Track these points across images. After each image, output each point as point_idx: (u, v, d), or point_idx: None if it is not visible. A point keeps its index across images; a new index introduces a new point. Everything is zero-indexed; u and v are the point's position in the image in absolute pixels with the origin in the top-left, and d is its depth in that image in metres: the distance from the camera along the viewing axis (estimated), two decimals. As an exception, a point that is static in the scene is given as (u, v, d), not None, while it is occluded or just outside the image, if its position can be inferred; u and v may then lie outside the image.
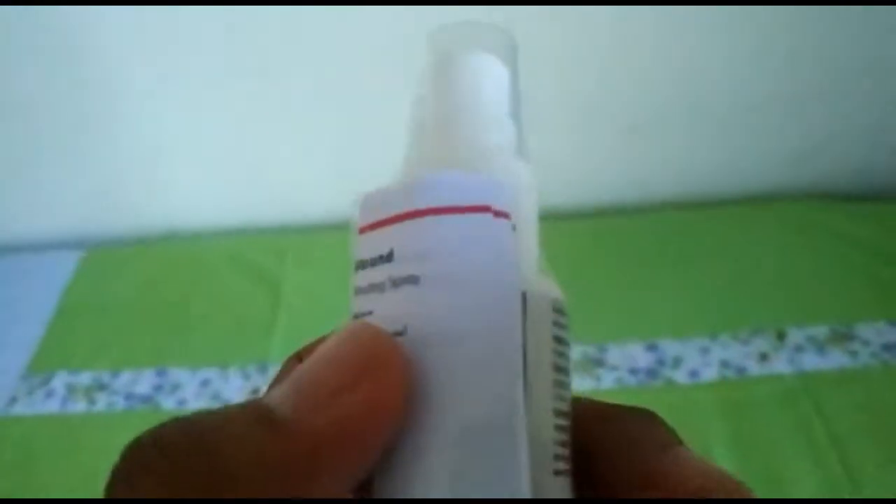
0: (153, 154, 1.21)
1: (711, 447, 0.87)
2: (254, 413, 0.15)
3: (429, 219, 0.17)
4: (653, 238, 1.16)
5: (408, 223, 0.17)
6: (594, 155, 1.20)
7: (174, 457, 0.14)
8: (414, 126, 0.20)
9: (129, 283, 1.18)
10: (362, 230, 0.18)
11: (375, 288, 0.17)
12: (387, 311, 0.17)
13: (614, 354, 0.99)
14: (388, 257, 0.17)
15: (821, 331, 0.99)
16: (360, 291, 0.17)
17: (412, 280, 0.16)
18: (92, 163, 1.22)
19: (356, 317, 0.17)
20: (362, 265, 0.18)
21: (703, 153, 1.20)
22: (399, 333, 0.16)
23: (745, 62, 1.10)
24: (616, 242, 1.15)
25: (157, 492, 0.14)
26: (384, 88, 1.12)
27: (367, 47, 1.07)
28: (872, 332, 0.98)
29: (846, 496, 0.81)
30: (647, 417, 0.18)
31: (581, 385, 0.95)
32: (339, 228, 1.24)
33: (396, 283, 0.17)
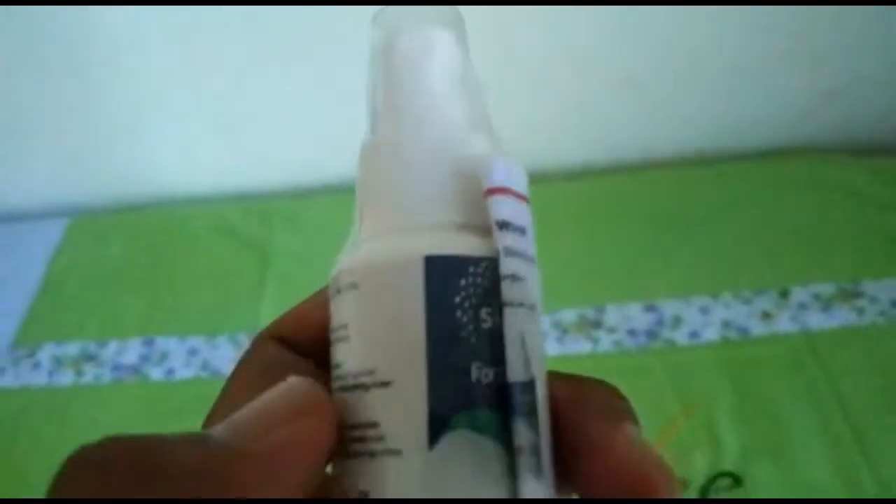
0: (136, 119, 1.18)
1: (714, 410, 0.85)
2: (193, 436, 0.16)
3: (528, 206, 0.19)
4: (651, 196, 1.12)
5: (525, 206, 0.18)
6: (588, 110, 1.16)
7: (116, 454, 0.15)
8: (370, 108, 0.20)
9: (115, 251, 1.15)
10: (505, 191, 0.18)
11: (528, 261, 0.18)
12: (533, 286, 0.18)
13: (612, 316, 0.96)
14: (523, 231, 0.18)
15: (826, 288, 0.96)
16: (512, 253, 0.18)
17: (534, 262, 0.18)
18: (74, 129, 1.19)
19: (507, 278, 0.17)
20: (507, 227, 0.18)
21: (704, 107, 1.16)
22: (534, 307, 0.18)
23: (753, 12, 1.06)
24: (613, 202, 1.12)
25: (94, 483, 0.15)
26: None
27: (361, 11, 1.03)
28: (880, 289, 0.94)
29: (854, 459, 0.79)
30: (614, 389, 0.19)
31: (578, 348, 0.93)
32: (326, 192, 1.22)
33: (531, 261, 0.18)
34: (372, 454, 0.17)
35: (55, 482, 0.15)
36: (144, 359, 0.99)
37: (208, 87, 1.15)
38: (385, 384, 0.17)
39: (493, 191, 0.18)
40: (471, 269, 0.17)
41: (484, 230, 0.18)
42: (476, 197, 0.18)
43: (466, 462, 0.16)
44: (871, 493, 0.76)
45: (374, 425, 0.17)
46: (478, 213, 0.18)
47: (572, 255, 1.02)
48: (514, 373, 0.17)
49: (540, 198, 0.20)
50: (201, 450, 0.16)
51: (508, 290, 0.17)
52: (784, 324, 0.92)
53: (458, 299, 0.17)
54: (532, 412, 0.17)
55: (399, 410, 0.17)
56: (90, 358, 1.00)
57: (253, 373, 0.20)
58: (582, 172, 1.18)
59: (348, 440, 0.17)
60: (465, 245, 0.18)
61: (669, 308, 0.96)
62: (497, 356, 0.17)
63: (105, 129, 1.19)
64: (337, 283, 0.19)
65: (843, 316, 0.92)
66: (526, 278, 0.18)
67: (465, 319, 0.17)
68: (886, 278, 0.95)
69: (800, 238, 1.03)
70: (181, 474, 0.15)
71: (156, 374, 0.97)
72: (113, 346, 1.01)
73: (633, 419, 0.18)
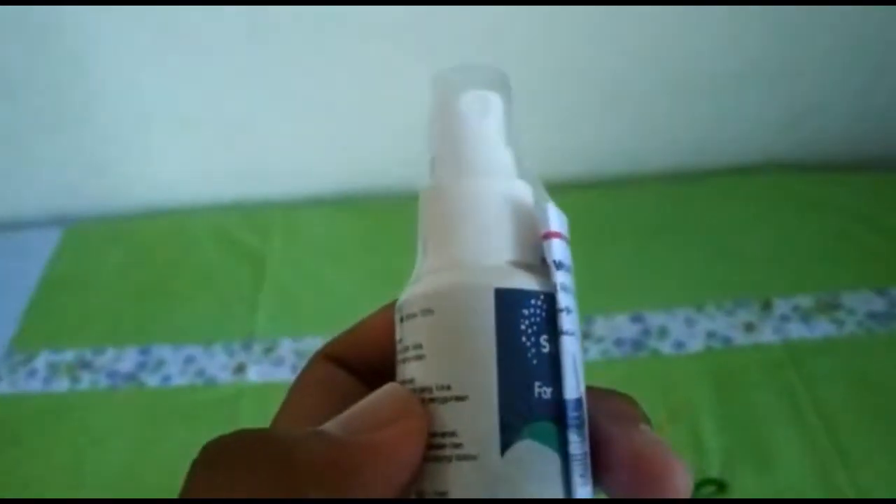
0: (135, 129, 1.19)
1: (698, 416, 0.88)
2: (312, 431, 0.18)
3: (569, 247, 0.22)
4: (638, 210, 1.15)
5: (569, 248, 0.21)
6: (572, 125, 1.19)
7: (251, 445, 0.17)
8: (430, 158, 0.23)
9: (112, 259, 1.17)
10: (558, 235, 0.21)
11: (574, 295, 0.21)
12: (578, 317, 0.21)
13: (600, 326, 0.99)
14: (570, 270, 0.21)
15: (806, 300, 0.99)
16: (565, 289, 0.20)
17: (575, 296, 0.21)
18: (72, 138, 1.20)
19: (562, 311, 0.20)
20: (562, 266, 0.21)
21: (687, 123, 1.19)
22: (569, 333, 0.20)
23: (729, 31, 1.09)
24: (600, 215, 1.14)
25: (234, 471, 0.17)
26: (373, 64, 1.12)
27: (355, 20, 1.06)
28: (858, 301, 0.98)
29: (831, 464, 0.82)
30: (630, 398, 0.22)
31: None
32: (323, 204, 1.23)
33: (575, 296, 0.21)
34: (449, 459, 0.19)
35: (194, 469, 0.17)
36: (141, 366, 1.00)
37: (206, 96, 1.16)
38: (461, 398, 0.19)
39: (549, 235, 0.21)
40: (532, 302, 0.20)
41: (535, 268, 0.21)
42: (530, 238, 0.21)
43: (531, 467, 0.19)
44: (848, 496, 0.79)
45: (452, 434, 0.19)
46: (531, 252, 0.21)
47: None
48: (569, 391, 0.19)
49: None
50: (322, 442, 0.18)
51: (563, 321, 0.20)
52: (766, 335, 0.95)
53: (522, 327, 0.20)
54: (581, 425, 0.20)
55: (475, 421, 0.19)
56: (86, 365, 1.01)
57: (309, 388, 0.23)
58: (567, 186, 1.20)
59: (427, 447, 0.19)
60: (527, 280, 0.20)
61: (655, 319, 0.99)
62: (554, 376, 0.19)
63: (103, 138, 1.20)
64: (408, 308, 0.21)
65: (822, 327, 0.96)
66: (574, 311, 0.20)
67: (528, 344, 0.19)
68: (863, 290, 0.99)
69: (781, 251, 1.06)
70: (308, 462, 0.17)
71: (152, 381, 0.99)
72: (109, 353, 1.03)
73: (647, 421, 0.21)
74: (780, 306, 0.98)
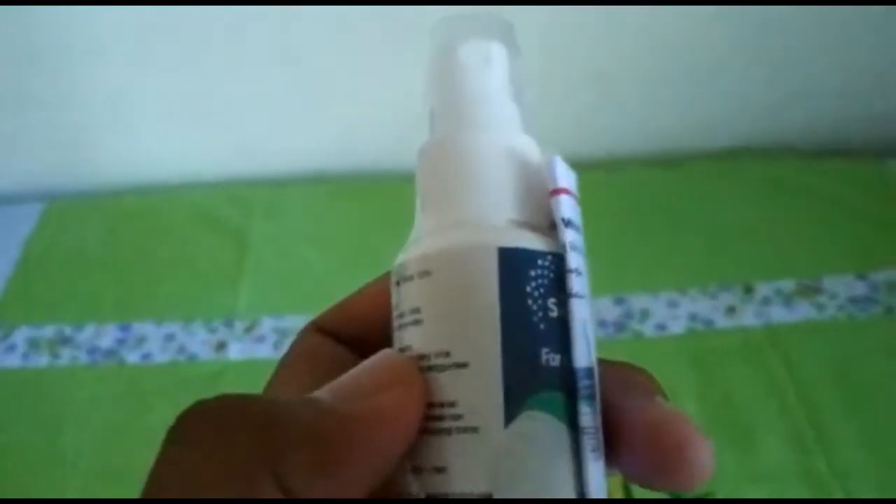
0: (116, 104, 1.18)
1: (679, 398, 0.88)
2: (300, 398, 0.17)
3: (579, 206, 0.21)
4: (621, 193, 1.14)
5: (579, 206, 0.20)
6: (557, 106, 1.17)
7: (232, 410, 0.16)
8: (429, 112, 0.22)
9: (92, 235, 1.15)
10: (566, 192, 0.20)
11: (584, 257, 0.20)
12: (589, 280, 0.19)
13: (583, 308, 0.98)
14: (579, 230, 0.20)
15: (788, 284, 0.99)
16: (575, 248, 0.19)
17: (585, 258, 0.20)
18: (53, 113, 1.18)
19: (572, 272, 0.19)
20: (571, 224, 0.19)
21: (671, 105, 1.18)
22: (579, 296, 0.19)
23: (715, 14, 1.08)
24: (583, 197, 1.12)
25: (211, 438, 0.15)
26: (353, 41, 1.11)
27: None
28: (839, 285, 0.98)
29: (811, 447, 0.83)
30: (644, 370, 0.21)
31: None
32: (306, 181, 1.22)
33: (585, 257, 0.20)
34: (449, 431, 0.18)
35: (171, 436, 0.16)
36: (121, 342, 1.00)
37: (190, 73, 1.14)
38: (462, 365, 0.18)
39: (557, 191, 0.20)
40: (539, 262, 0.19)
41: (541, 227, 0.19)
42: (536, 196, 0.20)
43: (537, 440, 0.17)
44: (827, 479, 0.80)
45: (452, 404, 0.18)
46: (536, 211, 0.20)
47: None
48: (580, 359, 0.18)
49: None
50: (311, 409, 0.17)
51: (573, 283, 0.18)
52: (748, 318, 0.96)
53: (528, 289, 0.18)
54: (593, 396, 0.18)
55: (477, 391, 0.18)
56: (66, 341, 1.00)
57: (299, 359, 0.22)
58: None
59: (424, 418, 0.18)
60: (533, 240, 0.19)
61: (638, 301, 0.99)
62: (563, 343, 0.18)
63: (85, 115, 1.18)
64: (405, 271, 0.19)
65: (803, 311, 0.96)
66: (584, 273, 0.19)
67: (534, 307, 0.18)
68: (845, 275, 0.99)
69: (763, 235, 1.06)
70: (293, 430, 0.16)
71: (132, 357, 0.98)
72: (89, 329, 1.02)
73: (663, 394, 0.20)
74: (762, 289, 0.99)
